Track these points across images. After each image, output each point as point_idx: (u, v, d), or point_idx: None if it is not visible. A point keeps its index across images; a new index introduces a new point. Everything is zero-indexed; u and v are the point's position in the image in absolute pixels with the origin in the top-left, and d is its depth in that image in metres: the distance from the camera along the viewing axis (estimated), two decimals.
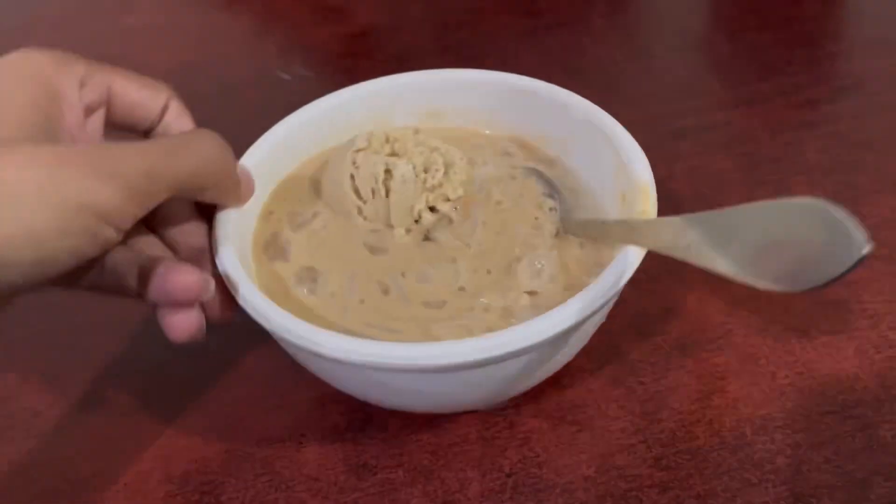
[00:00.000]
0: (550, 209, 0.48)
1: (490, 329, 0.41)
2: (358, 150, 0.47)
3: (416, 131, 0.49)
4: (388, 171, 0.47)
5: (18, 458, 0.47)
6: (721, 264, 0.33)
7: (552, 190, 0.50)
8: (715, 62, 0.74)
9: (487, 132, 0.54)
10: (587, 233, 0.46)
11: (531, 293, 0.43)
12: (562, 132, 0.52)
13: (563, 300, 0.40)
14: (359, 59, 0.79)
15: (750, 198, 0.56)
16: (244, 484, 0.45)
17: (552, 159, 0.53)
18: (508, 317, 0.42)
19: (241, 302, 0.40)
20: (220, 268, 0.42)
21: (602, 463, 0.43)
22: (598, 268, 0.43)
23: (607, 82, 0.73)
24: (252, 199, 0.46)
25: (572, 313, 0.38)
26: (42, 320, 0.53)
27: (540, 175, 0.51)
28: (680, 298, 0.52)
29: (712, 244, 0.34)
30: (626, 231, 0.42)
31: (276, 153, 0.50)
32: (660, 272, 0.53)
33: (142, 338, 0.53)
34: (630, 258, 0.40)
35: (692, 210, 0.55)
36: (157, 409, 0.49)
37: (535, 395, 0.46)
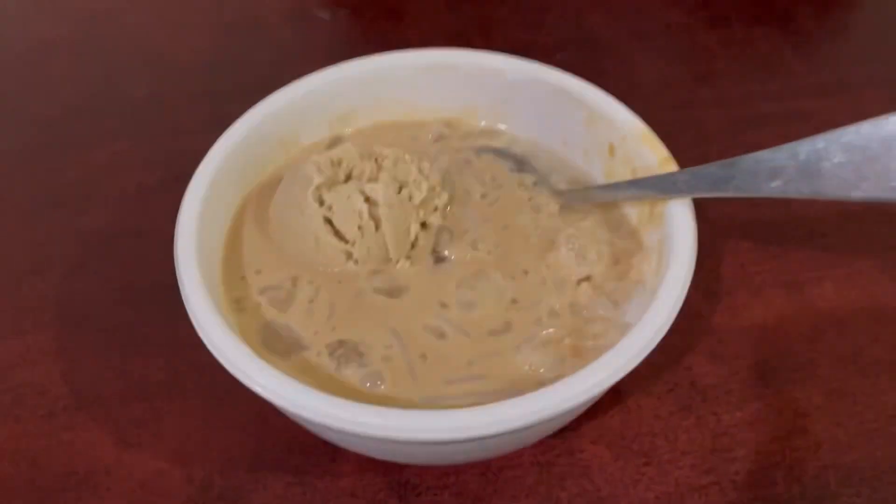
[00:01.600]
0: (534, 184, 0.44)
1: (574, 333, 0.38)
2: (318, 189, 0.39)
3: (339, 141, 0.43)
4: (367, 200, 0.39)
5: (25, 445, 0.43)
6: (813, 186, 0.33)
7: (517, 163, 0.46)
8: (799, 40, 0.65)
9: (408, 120, 0.48)
10: (596, 199, 0.43)
11: (586, 279, 0.40)
12: (494, 99, 0.47)
13: (617, 275, 0.39)
14: (406, 2, 0.70)
15: (835, 205, 0.50)
16: (272, 493, 0.40)
17: (493, 131, 0.48)
18: (580, 312, 0.38)
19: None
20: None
21: None
22: (625, 230, 0.42)
23: (677, 50, 0.65)
24: (203, 295, 0.36)
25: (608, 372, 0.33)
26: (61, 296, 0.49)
27: (493, 151, 0.46)
28: (759, 316, 0.47)
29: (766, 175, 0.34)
30: (661, 185, 0.39)
31: (203, 225, 0.39)
32: (736, 284, 0.48)
33: (166, 317, 0.46)
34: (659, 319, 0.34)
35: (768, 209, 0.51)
36: (178, 399, 0.44)
37: (596, 416, 0.42)
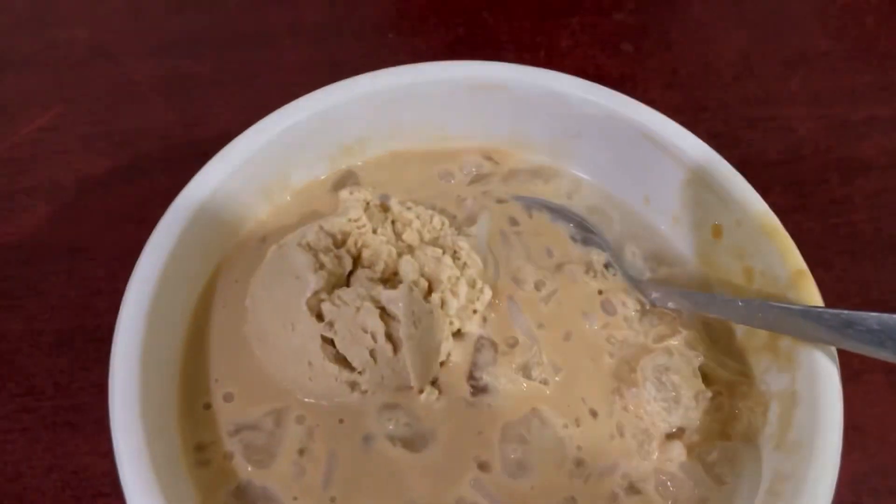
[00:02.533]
0: (606, 266, 0.33)
1: None
2: (315, 295, 0.28)
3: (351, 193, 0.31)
4: (384, 313, 0.28)
5: None
6: None
7: (580, 228, 0.34)
8: None
9: (436, 150, 0.36)
10: (696, 311, 0.31)
11: (677, 434, 0.29)
12: (554, 130, 0.35)
13: (719, 429, 0.29)
14: None
15: None
16: None
17: (549, 170, 0.36)
18: (670, 490, 0.28)
19: None
20: None
21: None
22: (726, 346, 0.31)
23: (763, 19, 0.52)
24: (141, 439, 0.25)
25: None
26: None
27: (548, 208, 0.35)
28: (860, 415, 0.38)
29: None
30: (800, 326, 0.27)
31: (154, 327, 0.28)
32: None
33: None
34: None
35: (857, 269, 0.41)
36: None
37: None
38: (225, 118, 0.46)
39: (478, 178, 0.35)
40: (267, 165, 0.32)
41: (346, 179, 0.35)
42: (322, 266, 0.28)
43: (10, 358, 0.38)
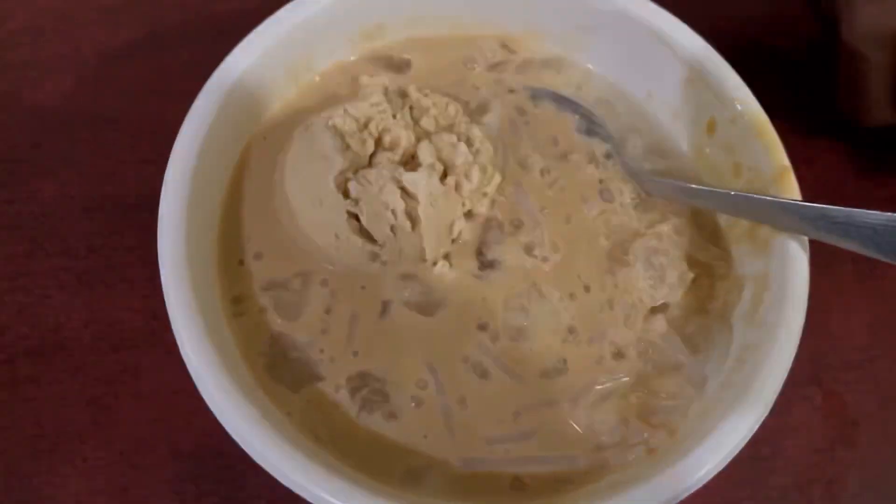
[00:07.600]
0: (606, 156, 0.35)
1: (642, 385, 0.31)
2: (342, 174, 0.30)
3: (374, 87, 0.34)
4: (404, 192, 0.31)
5: None
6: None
7: (585, 119, 0.36)
8: None
9: (453, 36, 0.37)
10: (686, 202, 0.34)
11: (661, 309, 0.32)
12: (568, 25, 0.37)
13: (697, 306, 0.32)
14: None
15: None
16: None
17: (561, 61, 0.38)
18: (651, 356, 0.32)
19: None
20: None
21: None
22: (711, 233, 0.34)
23: None
24: (188, 283, 0.28)
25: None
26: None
27: (554, 98, 0.37)
28: (823, 303, 0.40)
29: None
30: (781, 216, 0.30)
31: (195, 194, 0.31)
32: None
33: (139, 242, 0.40)
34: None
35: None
36: (159, 350, 0.38)
37: None
38: None
39: (493, 67, 0.37)
40: (292, 48, 0.34)
41: (368, 62, 0.36)
42: (348, 147, 0.30)
43: (43, 220, 0.41)
